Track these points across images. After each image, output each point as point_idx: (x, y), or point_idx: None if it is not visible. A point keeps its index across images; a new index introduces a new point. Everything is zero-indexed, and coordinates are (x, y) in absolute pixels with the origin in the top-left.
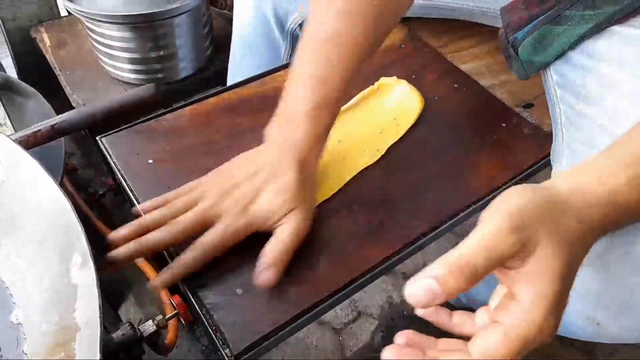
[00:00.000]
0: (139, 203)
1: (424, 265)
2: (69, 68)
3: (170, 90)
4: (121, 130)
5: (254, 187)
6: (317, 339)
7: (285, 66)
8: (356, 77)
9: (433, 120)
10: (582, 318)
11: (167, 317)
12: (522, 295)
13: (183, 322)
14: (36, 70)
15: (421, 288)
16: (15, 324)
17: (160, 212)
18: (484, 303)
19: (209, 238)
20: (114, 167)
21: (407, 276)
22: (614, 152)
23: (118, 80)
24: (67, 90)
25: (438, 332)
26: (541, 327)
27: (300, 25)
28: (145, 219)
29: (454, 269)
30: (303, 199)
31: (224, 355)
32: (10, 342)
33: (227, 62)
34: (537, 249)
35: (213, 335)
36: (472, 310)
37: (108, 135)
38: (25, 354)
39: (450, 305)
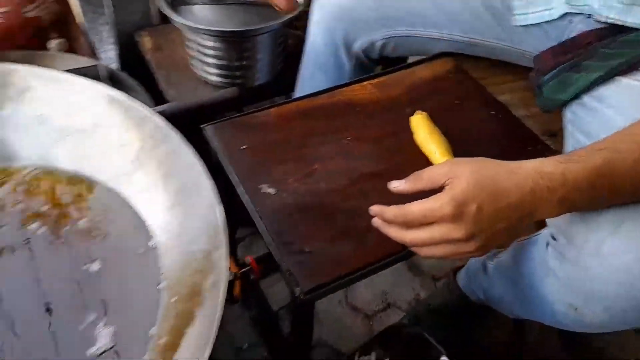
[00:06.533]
0: (236, 178)
1: (451, 267)
2: (164, 68)
3: (245, 94)
4: (220, 121)
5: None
6: (351, 322)
7: (350, 83)
8: None
9: (471, 141)
10: (563, 305)
11: (241, 271)
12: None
13: (254, 276)
14: (136, 68)
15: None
16: (152, 248)
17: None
18: (501, 299)
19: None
20: (216, 149)
21: (436, 278)
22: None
23: (205, 81)
24: (162, 86)
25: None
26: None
27: (364, 51)
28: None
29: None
30: None
31: (296, 291)
32: (149, 261)
33: (295, 74)
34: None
35: (288, 278)
36: (489, 306)
37: (210, 124)
38: (159, 267)
39: (470, 301)
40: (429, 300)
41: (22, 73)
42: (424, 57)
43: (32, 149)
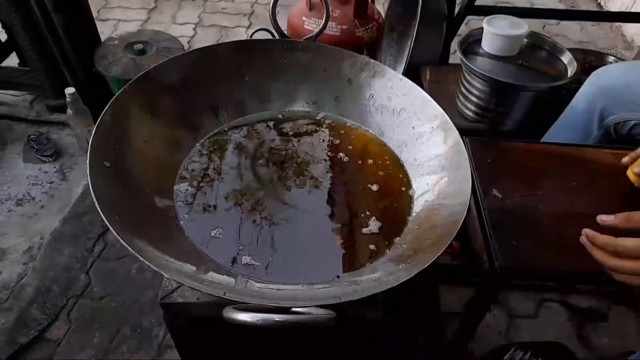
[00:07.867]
0: (476, 177)
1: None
2: (434, 96)
3: (490, 132)
4: (478, 137)
5: None
6: None
7: (593, 146)
8: None
9: None
10: None
11: None
12: None
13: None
14: None
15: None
16: (410, 195)
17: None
18: None
19: None
20: (469, 154)
21: (602, 357)
22: None
23: (461, 113)
24: None
25: None
26: None
27: (614, 126)
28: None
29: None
30: None
31: (495, 263)
32: (407, 200)
33: (538, 127)
34: None
35: (492, 254)
36: None
37: (470, 137)
38: (412, 207)
39: None
40: None
41: (378, 67)
42: None
43: (355, 111)
